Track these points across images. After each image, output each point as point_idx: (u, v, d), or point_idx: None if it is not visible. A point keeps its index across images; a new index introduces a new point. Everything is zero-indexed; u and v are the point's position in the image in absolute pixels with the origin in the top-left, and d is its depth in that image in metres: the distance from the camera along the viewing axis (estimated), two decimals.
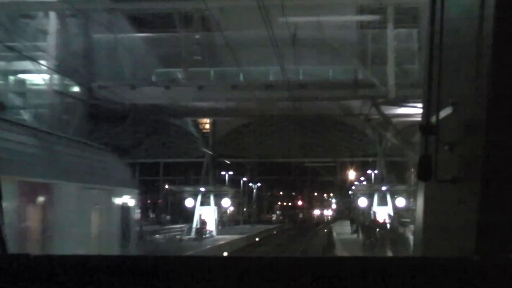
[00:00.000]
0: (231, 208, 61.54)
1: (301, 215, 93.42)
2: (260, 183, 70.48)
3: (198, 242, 32.08)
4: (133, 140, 31.34)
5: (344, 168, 52.82)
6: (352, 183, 53.81)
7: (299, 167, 62.64)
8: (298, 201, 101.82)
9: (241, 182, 60.71)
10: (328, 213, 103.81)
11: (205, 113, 32.63)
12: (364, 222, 33.90)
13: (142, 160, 50.75)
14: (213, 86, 25.61)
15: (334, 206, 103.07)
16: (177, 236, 34.24)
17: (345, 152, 45.14)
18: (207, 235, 36.25)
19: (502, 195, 2.50)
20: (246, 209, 68.53)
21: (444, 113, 2.92)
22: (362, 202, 40.80)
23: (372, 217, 34.01)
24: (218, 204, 39.43)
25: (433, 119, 2.86)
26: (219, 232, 38.85)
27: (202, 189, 38.20)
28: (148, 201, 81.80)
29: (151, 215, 73.78)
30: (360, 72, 24.98)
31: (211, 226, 37.85)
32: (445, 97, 2.86)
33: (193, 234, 35.82)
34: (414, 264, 1.82)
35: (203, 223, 37.24)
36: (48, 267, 1.79)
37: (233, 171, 52.63)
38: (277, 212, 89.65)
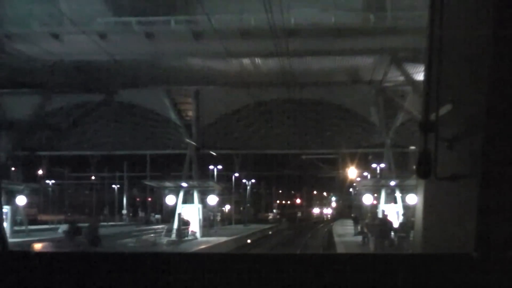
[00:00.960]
0: (228, 207, 57.78)
1: (299, 214, 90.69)
2: (254, 179, 66.91)
3: (175, 246, 27.57)
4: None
5: (345, 161, 48.61)
6: (354, 179, 49.63)
7: (297, 160, 58.62)
8: (296, 199, 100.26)
9: (233, 177, 56.51)
10: (327, 211, 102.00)
11: (158, 79, 26.21)
12: (373, 222, 29.45)
13: (126, 152, 46.81)
14: (168, 34, 18.76)
15: (334, 204, 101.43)
16: (152, 239, 29.80)
17: (347, 142, 40.86)
18: (189, 237, 32.00)
19: (501, 192, 2.49)
20: (243, 208, 64.97)
21: (444, 110, 2.93)
22: (367, 199, 36.26)
23: (380, 215, 29.62)
24: (204, 201, 35.25)
25: (433, 116, 2.85)
26: (206, 233, 34.60)
27: (184, 184, 33.88)
28: (138, 199, 78.04)
29: (140, 214, 69.99)
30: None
31: (195, 226, 33.55)
32: (444, 95, 2.88)
33: (174, 236, 31.67)
34: (414, 261, 1.97)
35: (185, 223, 32.98)
36: (47, 265, 1.89)
37: (222, 166, 48.51)
38: (274, 210, 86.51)
